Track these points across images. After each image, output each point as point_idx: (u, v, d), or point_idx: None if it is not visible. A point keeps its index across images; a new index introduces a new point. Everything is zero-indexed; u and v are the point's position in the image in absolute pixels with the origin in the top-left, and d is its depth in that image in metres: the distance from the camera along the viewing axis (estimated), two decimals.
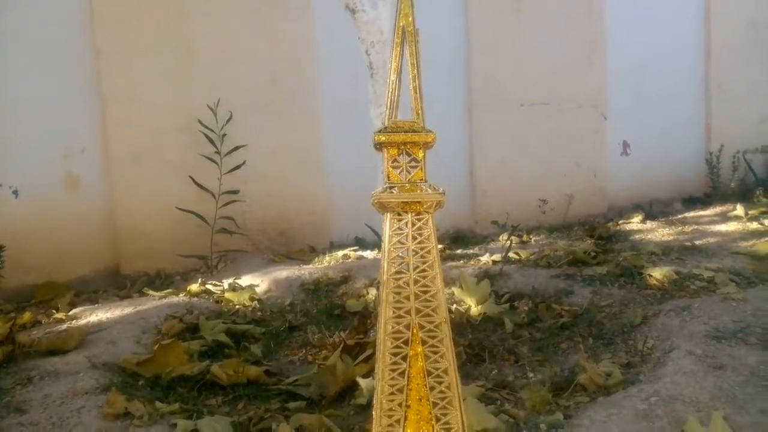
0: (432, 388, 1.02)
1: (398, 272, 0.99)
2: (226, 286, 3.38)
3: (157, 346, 2.32)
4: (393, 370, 0.98)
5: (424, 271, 1.02)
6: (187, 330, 2.70)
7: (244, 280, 3.47)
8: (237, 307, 3.13)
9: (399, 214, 1.01)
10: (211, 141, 3.67)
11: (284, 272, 3.47)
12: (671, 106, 5.60)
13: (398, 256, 0.99)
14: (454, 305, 2.96)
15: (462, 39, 4.70)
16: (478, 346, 2.45)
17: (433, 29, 4.68)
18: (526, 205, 4.83)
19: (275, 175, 3.94)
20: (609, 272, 3.22)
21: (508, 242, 3.68)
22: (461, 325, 2.69)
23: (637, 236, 4.24)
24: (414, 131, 1.03)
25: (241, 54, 3.83)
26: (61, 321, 2.84)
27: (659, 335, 2.39)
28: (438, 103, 4.68)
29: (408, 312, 1.03)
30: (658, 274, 3.14)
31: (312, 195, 4.07)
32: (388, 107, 1.02)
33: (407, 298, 1.02)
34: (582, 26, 5.08)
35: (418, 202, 1.04)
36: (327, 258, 3.76)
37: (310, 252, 3.95)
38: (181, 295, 3.20)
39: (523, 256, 3.69)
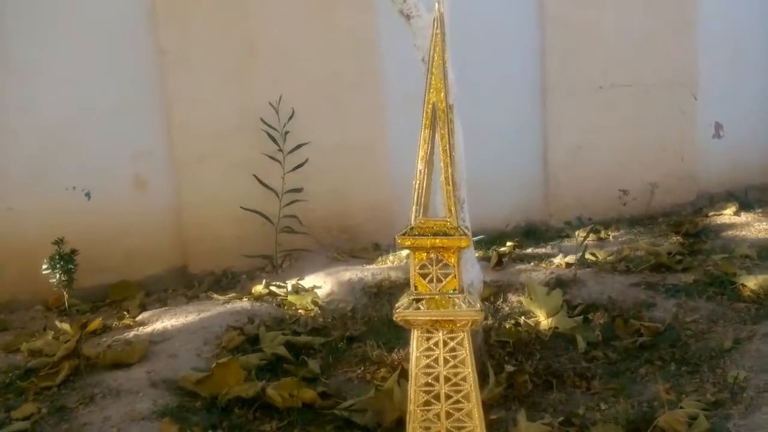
0: None
1: (427, 403, 0.84)
2: (289, 287, 3.36)
3: (214, 364, 2.30)
4: None
5: (458, 402, 0.86)
6: (248, 341, 2.68)
7: (308, 281, 3.43)
8: (299, 312, 3.10)
9: (428, 332, 0.85)
10: (274, 139, 3.62)
11: (347, 273, 3.40)
12: None
13: (427, 383, 0.84)
14: (522, 317, 2.79)
15: (536, 15, 4.39)
16: (545, 371, 2.28)
17: (504, 4, 4.43)
18: (604, 196, 4.52)
19: (338, 172, 3.85)
20: (696, 281, 2.94)
21: (584, 243, 3.44)
22: (529, 342, 2.53)
23: (729, 232, 3.89)
24: (445, 234, 0.87)
25: (303, 49, 3.73)
26: (128, 327, 2.90)
27: (753, 366, 2.15)
28: (510, 86, 4.44)
29: None
30: (752, 283, 2.85)
31: (375, 190, 3.96)
32: (415, 203, 0.87)
33: None
34: None
35: (451, 320, 0.88)
36: (391, 257, 3.66)
37: (374, 249, 3.85)
38: (244, 299, 3.20)
39: (600, 258, 3.45)
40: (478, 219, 2.69)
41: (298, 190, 3.68)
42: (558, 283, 3.02)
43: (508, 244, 3.82)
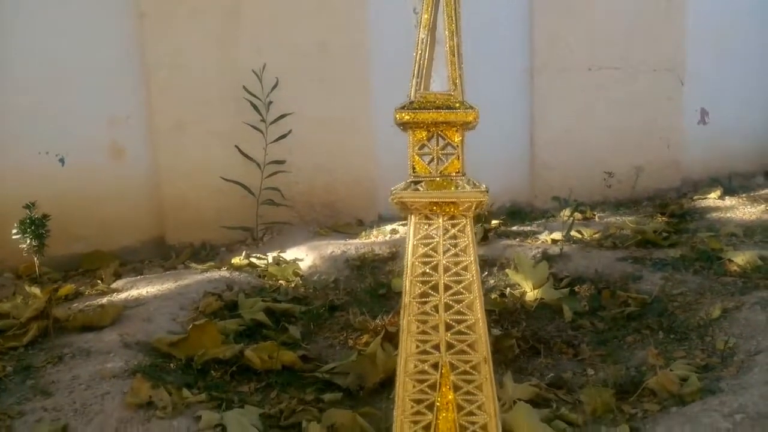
0: None
1: (424, 294, 0.75)
2: (270, 259, 3.27)
3: (190, 326, 2.22)
4: (415, 423, 0.75)
5: (459, 294, 0.78)
6: (226, 307, 2.60)
7: (289, 254, 3.35)
8: (280, 282, 3.02)
9: (427, 218, 0.76)
10: (256, 108, 3.52)
11: (330, 247, 3.33)
12: (757, 69, 5.06)
13: (425, 272, 0.75)
14: (508, 289, 2.74)
15: None
16: (532, 337, 2.23)
17: None
18: (590, 178, 4.49)
19: (322, 145, 3.77)
20: (683, 256, 2.91)
21: (570, 219, 3.40)
22: (515, 311, 2.48)
23: (714, 214, 3.87)
24: (449, 108, 0.79)
25: (289, 16, 3.64)
26: (102, 293, 2.79)
27: (742, 333, 2.11)
28: (496, 66, 4.38)
29: (436, 347, 0.78)
30: (739, 259, 2.82)
31: (360, 165, 3.88)
32: (415, 75, 0.79)
33: (435, 328, 0.78)
34: None
35: (453, 202, 0.79)
36: (375, 232, 3.58)
37: (358, 225, 3.78)
38: (223, 269, 3.11)
39: (586, 235, 3.41)
40: None
41: (281, 162, 3.59)
42: (544, 257, 2.97)
43: (494, 221, 3.77)
